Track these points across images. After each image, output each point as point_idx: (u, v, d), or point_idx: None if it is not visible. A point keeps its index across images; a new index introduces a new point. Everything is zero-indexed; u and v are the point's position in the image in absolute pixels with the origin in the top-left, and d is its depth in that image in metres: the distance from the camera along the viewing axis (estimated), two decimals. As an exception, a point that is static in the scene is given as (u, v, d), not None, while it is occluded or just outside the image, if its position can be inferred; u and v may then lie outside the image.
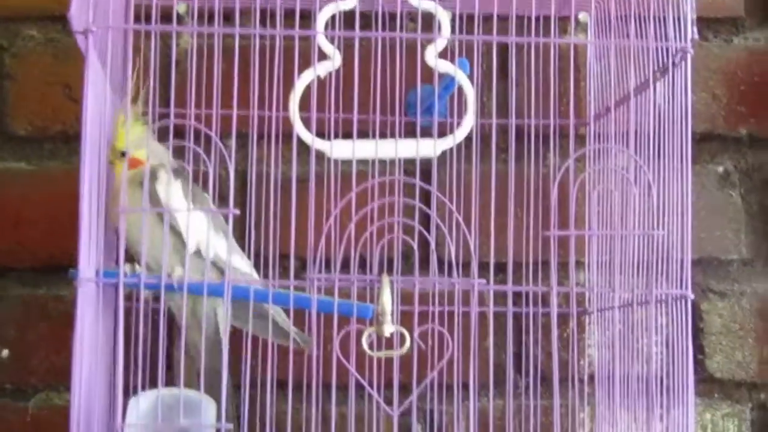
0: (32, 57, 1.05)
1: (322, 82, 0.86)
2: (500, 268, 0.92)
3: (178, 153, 0.83)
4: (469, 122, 0.87)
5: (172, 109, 0.81)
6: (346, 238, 0.82)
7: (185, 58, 0.85)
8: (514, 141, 0.90)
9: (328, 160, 0.91)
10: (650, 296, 0.84)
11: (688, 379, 0.83)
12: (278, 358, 0.85)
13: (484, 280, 0.83)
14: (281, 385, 0.83)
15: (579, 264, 0.97)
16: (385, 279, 0.80)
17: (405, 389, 0.84)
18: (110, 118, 0.87)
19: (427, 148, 0.86)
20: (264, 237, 0.92)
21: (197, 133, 0.82)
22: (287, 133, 0.89)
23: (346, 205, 0.84)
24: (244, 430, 0.89)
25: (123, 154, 0.88)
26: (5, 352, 1.02)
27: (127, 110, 0.84)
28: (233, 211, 0.79)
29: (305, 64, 0.86)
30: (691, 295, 0.84)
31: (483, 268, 0.83)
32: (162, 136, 0.85)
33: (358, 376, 0.82)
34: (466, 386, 0.85)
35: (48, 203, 1.03)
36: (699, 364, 1.02)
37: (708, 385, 1.04)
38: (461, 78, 0.87)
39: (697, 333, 1.04)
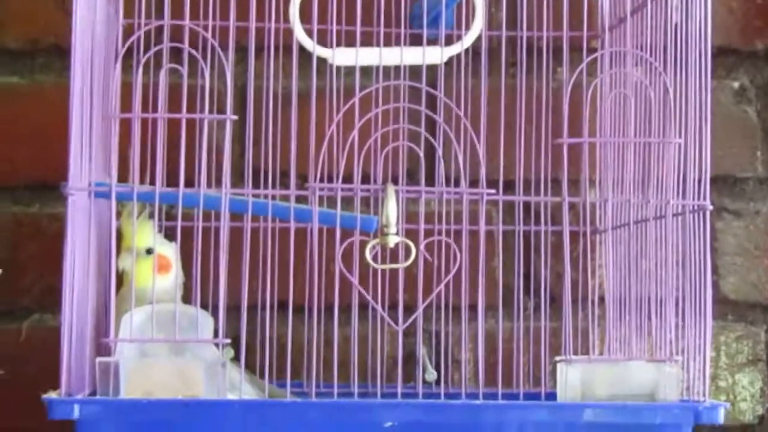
0: (22, -32, 1.01)
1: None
2: (509, 186, 0.87)
3: (175, 58, 0.78)
4: (477, 26, 0.83)
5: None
6: (349, 147, 0.76)
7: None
8: (524, 54, 0.87)
9: (330, 73, 0.87)
10: (666, 209, 0.79)
11: (705, 297, 0.79)
12: (279, 279, 0.81)
13: (493, 190, 0.77)
14: (282, 306, 0.79)
15: (591, 183, 0.91)
16: (390, 188, 0.76)
17: (409, 310, 0.79)
18: (103, 26, 0.82)
19: (434, 54, 0.82)
20: (264, 154, 0.87)
21: (193, 45, 0.76)
22: (287, 45, 0.84)
23: (349, 116, 0.78)
24: (243, 350, 0.83)
25: (148, 251, 0.83)
26: (-2, 272, 1.00)
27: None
28: (231, 117, 0.75)
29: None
30: (709, 206, 0.79)
31: (491, 185, 0.78)
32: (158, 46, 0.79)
33: (362, 290, 0.76)
34: (473, 308, 0.79)
35: (42, 119, 1.00)
36: (713, 285, 0.96)
37: (721, 306, 1.01)
38: (469, -20, 0.82)
39: (712, 253, 0.98)
